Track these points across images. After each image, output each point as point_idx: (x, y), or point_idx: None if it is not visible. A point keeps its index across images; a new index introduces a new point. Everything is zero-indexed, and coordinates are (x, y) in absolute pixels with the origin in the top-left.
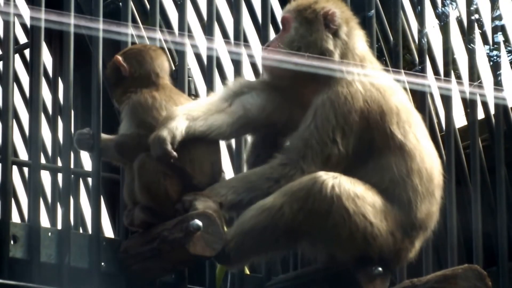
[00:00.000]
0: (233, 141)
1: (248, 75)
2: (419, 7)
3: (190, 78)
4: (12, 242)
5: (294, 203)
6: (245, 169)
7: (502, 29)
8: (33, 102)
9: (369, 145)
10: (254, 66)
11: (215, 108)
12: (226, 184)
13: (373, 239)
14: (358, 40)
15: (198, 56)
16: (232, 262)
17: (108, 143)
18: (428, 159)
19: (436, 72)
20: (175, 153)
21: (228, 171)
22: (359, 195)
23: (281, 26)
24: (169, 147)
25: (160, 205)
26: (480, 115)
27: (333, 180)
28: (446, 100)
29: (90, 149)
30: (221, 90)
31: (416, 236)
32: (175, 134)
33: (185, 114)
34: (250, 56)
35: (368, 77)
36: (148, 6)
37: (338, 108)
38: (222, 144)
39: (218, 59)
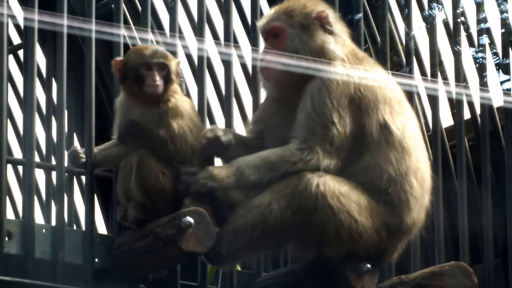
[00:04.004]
0: None
1: (238, 75)
2: (406, 9)
3: (181, 79)
4: (6, 238)
5: (282, 200)
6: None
7: (487, 31)
8: (27, 102)
9: (363, 133)
10: (244, 66)
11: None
12: (251, 164)
13: (358, 236)
14: (346, 35)
15: (189, 57)
16: (223, 261)
17: (103, 151)
18: (422, 161)
19: (423, 73)
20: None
21: None
22: (344, 193)
23: (265, 35)
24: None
25: (154, 202)
26: (466, 115)
27: (318, 179)
28: (433, 100)
29: (82, 166)
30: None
31: (400, 239)
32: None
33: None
34: (240, 57)
35: (364, 68)
36: (140, 8)
37: (331, 92)
38: None
39: (208, 59)
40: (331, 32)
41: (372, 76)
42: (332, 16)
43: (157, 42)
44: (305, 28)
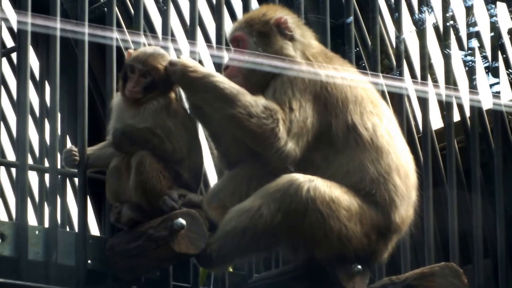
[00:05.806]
0: None
1: None
2: (396, 13)
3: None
4: (0, 240)
5: (272, 204)
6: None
7: (477, 35)
8: (20, 105)
9: (329, 133)
10: None
11: None
12: (222, 83)
13: (348, 241)
14: (312, 39)
15: None
16: (214, 264)
17: (97, 152)
18: (403, 157)
19: (413, 76)
20: None
21: None
22: (334, 199)
23: (231, 45)
24: None
25: (151, 203)
26: (456, 117)
27: (309, 183)
28: (423, 103)
29: (76, 166)
30: None
31: (390, 238)
32: None
33: None
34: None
35: (334, 67)
36: (132, 11)
37: (295, 85)
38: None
39: (200, 62)
40: (291, 38)
41: (342, 75)
42: (292, 21)
43: (149, 45)
44: (263, 36)
